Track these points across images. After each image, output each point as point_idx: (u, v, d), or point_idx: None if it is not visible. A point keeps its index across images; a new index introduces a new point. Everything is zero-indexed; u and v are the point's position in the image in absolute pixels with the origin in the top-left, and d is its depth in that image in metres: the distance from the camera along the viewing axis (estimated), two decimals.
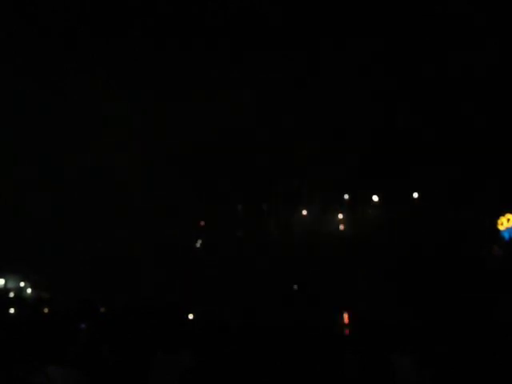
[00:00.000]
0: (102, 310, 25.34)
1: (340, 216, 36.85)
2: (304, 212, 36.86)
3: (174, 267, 32.32)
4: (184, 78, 34.73)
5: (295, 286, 33.63)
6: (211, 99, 34.71)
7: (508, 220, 30.96)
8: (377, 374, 11.39)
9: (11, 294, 32.98)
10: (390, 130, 35.28)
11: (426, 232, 31.56)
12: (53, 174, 30.03)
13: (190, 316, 26.65)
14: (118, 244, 30.56)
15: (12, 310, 25.87)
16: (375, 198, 35.83)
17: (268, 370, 12.23)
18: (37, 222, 29.11)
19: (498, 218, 31.44)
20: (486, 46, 31.79)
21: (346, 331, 25.87)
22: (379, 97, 35.13)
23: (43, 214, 29.42)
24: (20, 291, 33.92)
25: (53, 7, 29.95)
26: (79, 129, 31.24)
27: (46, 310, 25.40)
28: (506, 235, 30.70)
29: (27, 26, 30.09)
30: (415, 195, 34.70)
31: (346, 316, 29.77)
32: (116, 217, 31.00)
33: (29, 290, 34.49)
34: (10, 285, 34.33)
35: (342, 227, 36.55)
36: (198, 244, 33.98)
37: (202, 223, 35.43)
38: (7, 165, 29.94)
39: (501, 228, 31.39)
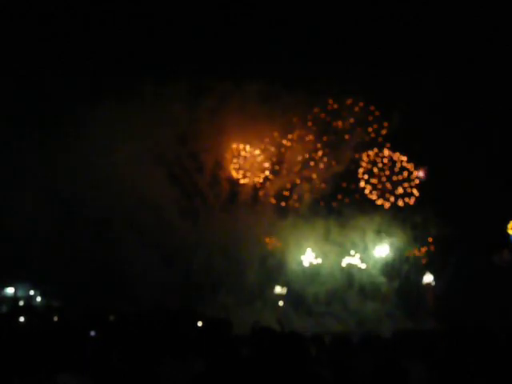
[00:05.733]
0: (112, 317, 25.26)
1: None
2: None
3: (176, 269, 31.96)
4: None
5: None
6: None
7: None
8: (389, 379, 11.35)
9: (21, 303, 33.08)
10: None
11: None
12: (53, 175, 29.88)
13: (199, 323, 26.45)
14: (120, 246, 30.32)
15: (22, 319, 25.89)
16: None
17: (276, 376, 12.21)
18: (43, 227, 29.09)
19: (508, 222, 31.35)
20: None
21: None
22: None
23: (48, 218, 29.30)
24: (30, 299, 34.04)
25: (53, 7, 29.93)
26: (79, 129, 30.93)
27: (55, 319, 25.37)
28: None
29: (27, 25, 30.08)
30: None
31: None
32: (116, 217, 30.75)
33: (38, 299, 34.59)
34: (20, 293, 34.46)
35: None
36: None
37: None
38: (8, 167, 29.91)
39: (511, 232, 31.25)
